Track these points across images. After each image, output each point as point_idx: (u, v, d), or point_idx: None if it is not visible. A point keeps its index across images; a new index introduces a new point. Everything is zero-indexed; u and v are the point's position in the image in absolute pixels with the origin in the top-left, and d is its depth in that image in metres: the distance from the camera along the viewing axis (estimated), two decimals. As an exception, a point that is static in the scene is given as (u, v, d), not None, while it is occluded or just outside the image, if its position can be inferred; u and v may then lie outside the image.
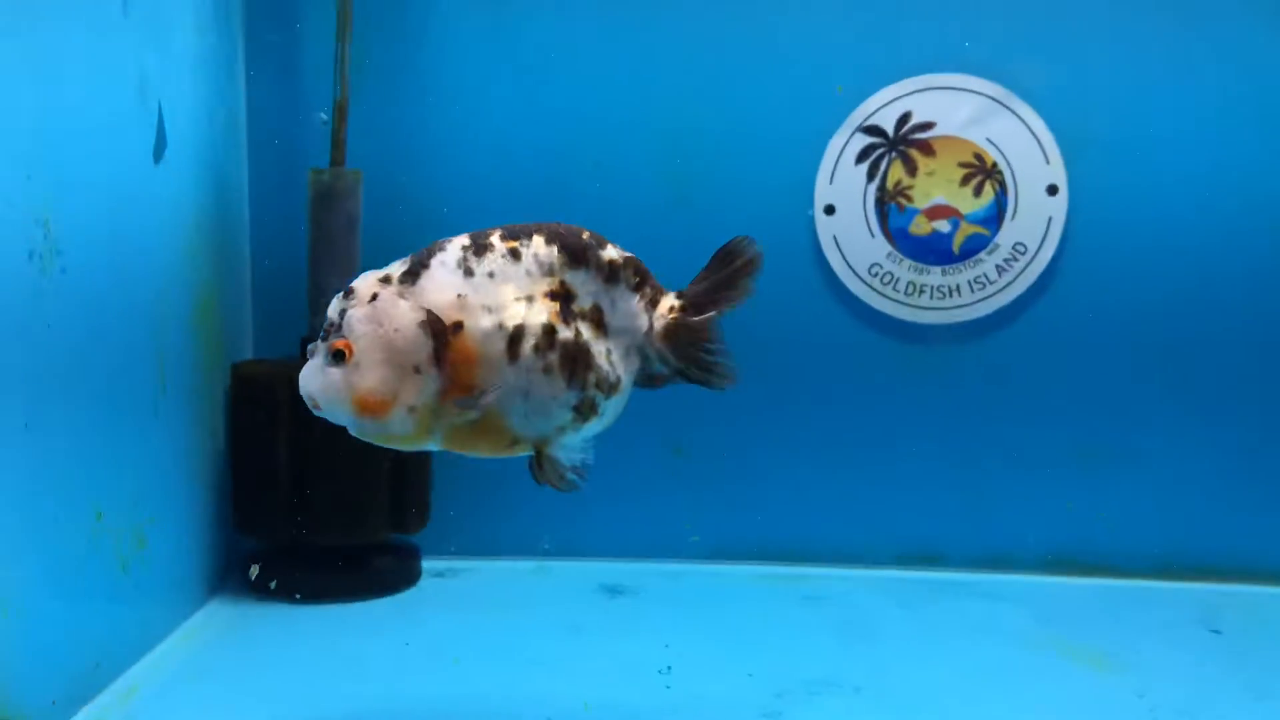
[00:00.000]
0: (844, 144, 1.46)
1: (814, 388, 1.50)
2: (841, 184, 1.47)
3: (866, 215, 1.47)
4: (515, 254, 0.86)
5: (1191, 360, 1.46)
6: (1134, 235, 1.45)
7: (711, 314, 0.92)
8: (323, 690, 1.08)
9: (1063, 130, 1.44)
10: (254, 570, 1.30)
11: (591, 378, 0.87)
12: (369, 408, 0.81)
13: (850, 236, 1.47)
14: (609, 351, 0.89)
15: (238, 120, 1.41)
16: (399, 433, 0.83)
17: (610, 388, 0.89)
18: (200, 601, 1.28)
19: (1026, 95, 1.44)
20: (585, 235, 0.89)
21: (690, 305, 0.92)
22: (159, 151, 1.14)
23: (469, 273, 0.84)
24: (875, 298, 1.48)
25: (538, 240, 0.86)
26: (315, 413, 0.84)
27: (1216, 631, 1.29)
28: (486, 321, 0.83)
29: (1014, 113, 1.44)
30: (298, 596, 1.31)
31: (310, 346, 0.85)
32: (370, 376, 0.81)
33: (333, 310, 0.84)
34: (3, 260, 0.86)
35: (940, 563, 1.51)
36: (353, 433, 0.85)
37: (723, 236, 1.45)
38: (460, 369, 0.82)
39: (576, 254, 0.87)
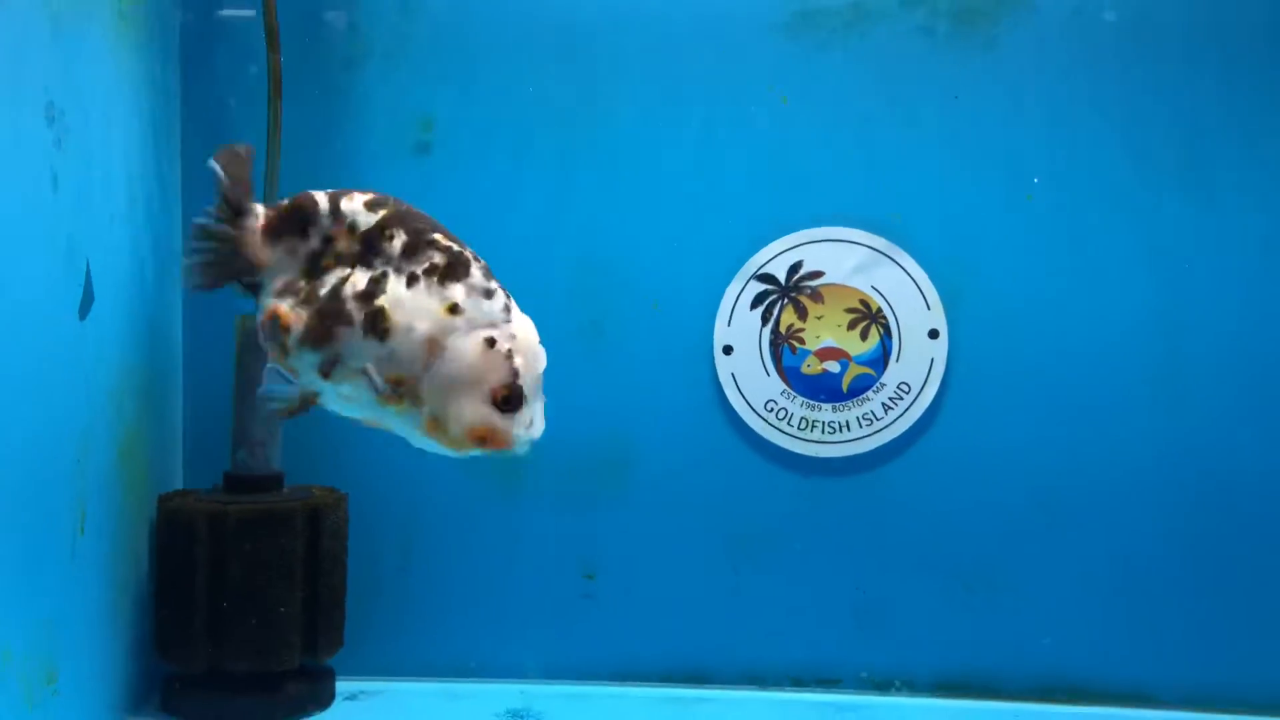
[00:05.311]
0: (740, 290, 1.57)
1: (715, 516, 1.58)
2: (739, 326, 1.57)
3: (762, 355, 1.57)
4: None
5: (1065, 493, 1.55)
6: (1010, 376, 1.55)
7: None
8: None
9: (942, 279, 1.55)
10: None
11: None
12: None
13: (747, 375, 1.57)
14: None
15: (173, 271, 1.52)
16: None
17: None
18: (114, 729, 1.34)
19: (908, 247, 1.55)
20: None
21: None
22: (85, 308, 1.24)
23: None
24: (771, 432, 1.57)
25: None
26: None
27: (1082, 759, 1.37)
28: None
29: (897, 263, 1.55)
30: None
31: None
32: None
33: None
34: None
35: (836, 685, 1.58)
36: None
37: (631, 371, 1.57)
38: None
39: None
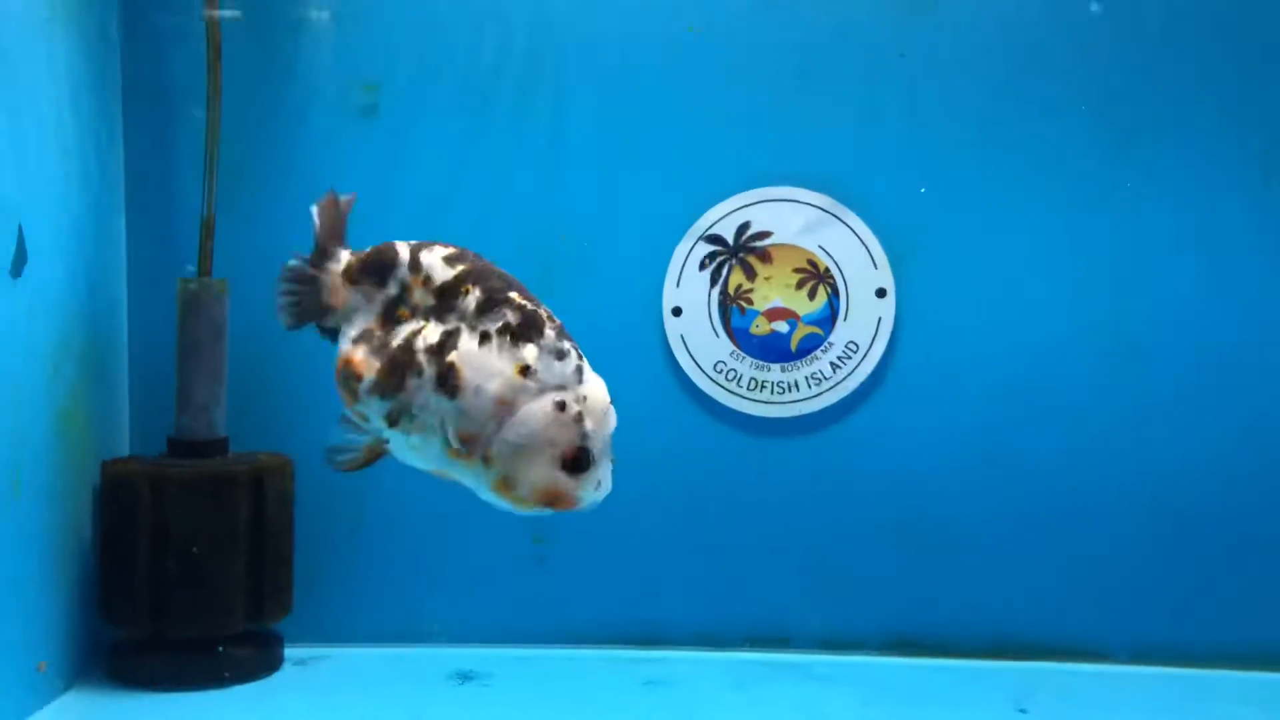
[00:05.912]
0: (689, 251, 1.57)
1: (666, 477, 1.58)
2: (687, 288, 1.57)
3: (711, 317, 1.57)
4: None
5: (1014, 451, 1.56)
6: (958, 334, 1.56)
7: None
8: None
9: (889, 238, 1.55)
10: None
11: None
12: None
13: (696, 336, 1.57)
14: None
15: (115, 235, 1.50)
16: None
17: None
18: (55, 693, 1.33)
19: (855, 206, 1.55)
20: None
21: None
22: (18, 267, 1.23)
23: None
24: (721, 393, 1.57)
25: None
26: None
27: (1023, 710, 1.37)
28: None
29: (843, 222, 1.55)
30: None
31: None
32: None
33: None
34: None
35: (787, 644, 1.59)
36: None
37: (580, 333, 1.54)
38: None
39: None
